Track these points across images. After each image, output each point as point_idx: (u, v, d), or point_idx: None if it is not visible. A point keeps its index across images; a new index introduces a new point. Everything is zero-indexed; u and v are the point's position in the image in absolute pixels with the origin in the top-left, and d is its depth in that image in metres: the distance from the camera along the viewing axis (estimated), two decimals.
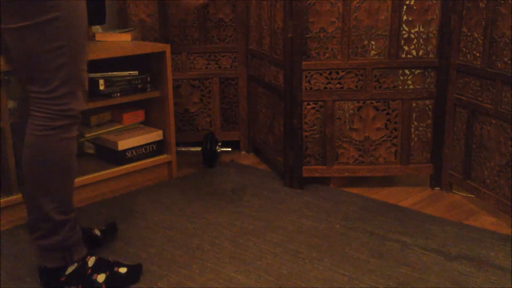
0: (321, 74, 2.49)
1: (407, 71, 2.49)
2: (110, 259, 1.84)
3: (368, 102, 2.51)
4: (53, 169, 1.64)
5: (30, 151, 1.64)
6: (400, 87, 2.50)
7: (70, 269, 1.74)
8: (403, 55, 2.48)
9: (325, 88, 2.50)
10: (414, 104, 2.52)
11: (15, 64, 1.65)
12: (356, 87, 2.49)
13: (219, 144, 2.89)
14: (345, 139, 2.55)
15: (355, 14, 2.42)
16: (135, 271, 1.86)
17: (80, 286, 1.75)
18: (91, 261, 1.77)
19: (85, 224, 2.04)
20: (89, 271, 1.77)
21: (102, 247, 2.02)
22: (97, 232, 2.03)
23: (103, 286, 1.77)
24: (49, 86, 1.59)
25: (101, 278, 1.78)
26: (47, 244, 1.70)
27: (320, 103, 2.52)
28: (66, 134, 1.63)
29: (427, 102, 2.52)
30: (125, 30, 2.76)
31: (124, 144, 2.51)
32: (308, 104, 2.52)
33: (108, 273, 1.79)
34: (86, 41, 1.68)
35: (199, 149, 2.93)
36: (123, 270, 1.83)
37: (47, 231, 1.68)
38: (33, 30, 1.54)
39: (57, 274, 1.74)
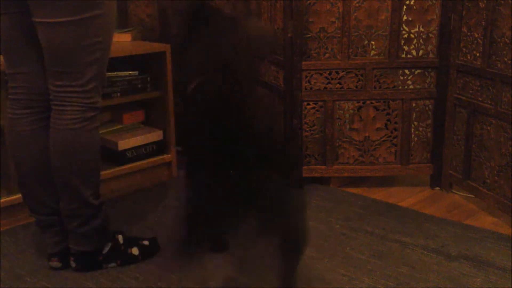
0: (321, 74, 2.49)
1: (407, 71, 2.49)
2: (132, 235, 1.99)
3: (368, 102, 2.51)
4: (88, 157, 1.74)
5: (65, 144, 1.71)
6: (400, 87, 2.50)
7: (106, 248, 1.86)
8: (403, 55, 2.48)
9: (325, 88, 2.50)
10: (414, 104, 2.52)
11: (48, 58, 1.67)
12: (356, 87, 2.49)
13: None
14: (345, 139, 2.55)
15: (355, 14, 2.42)
16: (155, 242, 1.99)
17: (118, 262, 1.88)
18: (120, 238, 1.90)
19: None
20: (122, 247, 1.89)
21: None
22: (135, 251, 2.01)
23: (139, 257, 1.91)
24: (81, 80, 1.66)
25: (135, 251, 1.91)
26: (88, 229, 1.78)
27: (320, 103, 2.52)
28: (94, 124, 1.73)
29: (427, 102, 2.52)
30: (125, 30, 2.76)
31: (124, 144, 2.51)
32: (308, 104, 2.52)
33: (138, 246, 1.92)
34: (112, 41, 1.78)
35: None
36: (146, 242, 1.96)
37: (88, 217, 1.77)
38: (76, 25, 1.60)
39: (95, 255, 1.84)
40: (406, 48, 2.47)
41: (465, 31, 2.36)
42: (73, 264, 1.84)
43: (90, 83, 1.68)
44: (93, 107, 1.71)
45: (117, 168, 2.49)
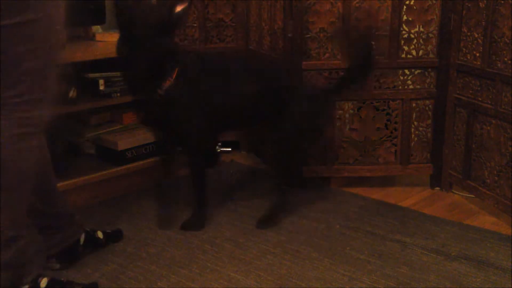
0: (321, 74, 2.49)
1: (407, 71, 2.49)
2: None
3: (368, 102, 2.51)
4: (13, 182, 1.51)
5: None
6: (400, 87, 2.50)
7: (81, 239, 1.81)
8: (403, 55, 2.48)
9: None
10: (414, 104, 2.52)
11: None
12: (356, 87, 2.49)
13: (219, 144, 2.89)
14: (345, 139, 2.55)
15: (355, 14, 2.42)
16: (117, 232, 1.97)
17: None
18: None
19: (87, 225, 2.04)
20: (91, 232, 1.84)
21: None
22: (100, 234, 2.01)
23: (104, 241, 1.86)
24: (15, 90, 1.47)
25: (100, 234, 1.85)
26: None
27: None
28: (27, 143, 1.51)
29: (427, 102, 2.52)
30: None
31: (124, 144, 2.51)
32: None
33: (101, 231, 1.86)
34: (58, 47, 1.56)
35: None
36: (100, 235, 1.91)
37: None
38: (9, 30, 1.44)
39: (75, 248, 1.79)
40: (406, 48, 2.47)
41: (465, 31, 2.36)
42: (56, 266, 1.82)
43: (25, 95, 1.48)
44: (30, 123, 1.50)
45: (117, 168, 2.49)
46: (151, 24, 1.98)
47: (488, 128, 2.27)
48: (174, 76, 2.06)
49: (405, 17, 2.43)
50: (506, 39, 2.12)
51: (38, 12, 1.46)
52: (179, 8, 2.00)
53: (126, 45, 2.04)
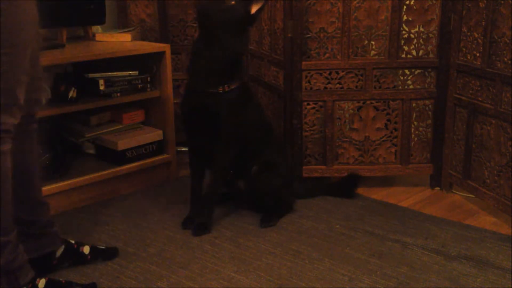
0: (321, 74, 2.49)
1: (407, 71, 2.49)
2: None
3: (368, 102, 2.51)
4: None
5: None
6: (400, 87, 2.50)
7: (60, 251, 1.74)
8: (403, 55, 2.48)
9: (325, 88, 2.50)
10: (414, 104, 2.52)
11: None
12: (356, 87, 2.49)
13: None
14: (345, 139, 2.55)
15: (355, 14, 2.42)
16: (113, 249, 1.92)
17: (70, 261, 1.75)
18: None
19: (87, 225, 2.03)
20: (75, 245, 1.79)
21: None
22: (86, 249, 1.89)
23: (89, 257, 1.80)
24: None
25: (86, 250, 1.81)
26: None
27: (320, 103, 2.52)
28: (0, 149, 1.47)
29: (427, 102, 2.52)
30: (125, 30, 2.76)
31: (124, 144, 2.51)
32: (308, 104, 2.52)
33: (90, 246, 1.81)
34: (29, 51, 1.49)
35: None
36: (102, 246, 1.87)
37: None
38: None
39: (49, 259, 1.72)
40: (406, 48, 2.47)
41: (465, 31, 2.36)
42: None
43: None
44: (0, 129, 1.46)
45: (117, 168, 2.49)
46: (228, 24, 2.05)
47: (488, 128, 2.27)
48: (236, 85, 2.10)
49: (405, 17, 2.43)
50: (506, 39, 2.12)
51: (1, 14, 1.39)
52: (254, 9, 2.07)
53: (203, 41, 2.08)
